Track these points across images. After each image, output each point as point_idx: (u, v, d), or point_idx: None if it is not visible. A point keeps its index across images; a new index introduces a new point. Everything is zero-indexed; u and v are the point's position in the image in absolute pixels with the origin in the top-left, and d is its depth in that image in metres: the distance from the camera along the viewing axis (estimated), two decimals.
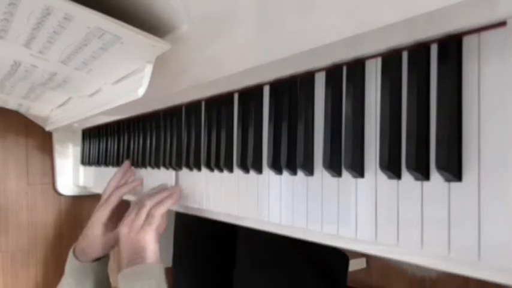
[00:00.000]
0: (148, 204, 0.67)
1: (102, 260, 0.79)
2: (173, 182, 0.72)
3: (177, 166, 0.69)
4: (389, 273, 1.22)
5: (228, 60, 0.46)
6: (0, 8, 0.44)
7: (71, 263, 0.78)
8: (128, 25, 0.47)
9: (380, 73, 0.38)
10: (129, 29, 0.47)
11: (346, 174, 0.41)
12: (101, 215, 0.77)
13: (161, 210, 0.67)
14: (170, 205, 0.68)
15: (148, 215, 0.66)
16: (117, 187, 0.80)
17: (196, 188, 0.66)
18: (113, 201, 0.78)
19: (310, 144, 0.45)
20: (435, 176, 0.34)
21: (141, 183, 0.81)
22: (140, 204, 0.68)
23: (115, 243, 0.78)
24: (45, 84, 0.67)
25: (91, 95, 0.70)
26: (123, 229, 0.67)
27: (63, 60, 0.56)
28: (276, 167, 0.49)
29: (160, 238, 0.68)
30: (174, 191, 0.69)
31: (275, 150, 0.49)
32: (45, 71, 0.60)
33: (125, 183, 0.81)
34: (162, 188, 0.72)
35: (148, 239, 0.65)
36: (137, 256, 0.64)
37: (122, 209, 0.80)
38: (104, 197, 0.80)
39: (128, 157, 0.87)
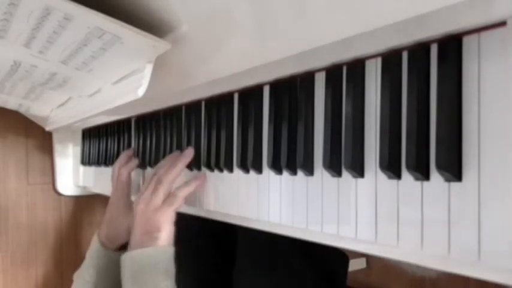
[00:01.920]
0: (166, 182, 0.62)
1: (125, 250, 0.77)
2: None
3: None
4: (389, 273, 1.22)
5: (228, 60, 0.46)
6: (0, 8, 0.44)
7: (95, 250, 0.75)
8: (128, 25, 0.47)
9: (380, 73, 0.38)
10: (129, 29, 0.47)
11: (346, 174, 0.41)
12: (116, 196, 0.77)
13: (186, 191, 0.63)
14: (195, 187, 0.64)
15: (171, 195, 0.62)
16: (123, 165, 0.79)
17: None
18: (123, 180, 0.77)
19: (310, 144, 0.45)
20: (435, 176, 0.34)
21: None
22: (157, 179, 0.63)
23: None
24: (45, 84, 0.67)
25: (91, 95, 0.70)
26: (140, 206, 0.62)
27: (63, 60, 0.56)
28: (276, 167, 0.49)
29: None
30: (200, 174, 0.64)
31: (275, 150, 0.49)
32: (45, 71, 0.60)
33: (129, 158, 0.81)
34: (179, 162, 0.66)
35: (165, 220, 0.61)
36: (150, 237, 0.60)
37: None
38: (114, 179, 0.79)
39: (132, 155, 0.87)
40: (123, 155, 0.82)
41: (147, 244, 0.60)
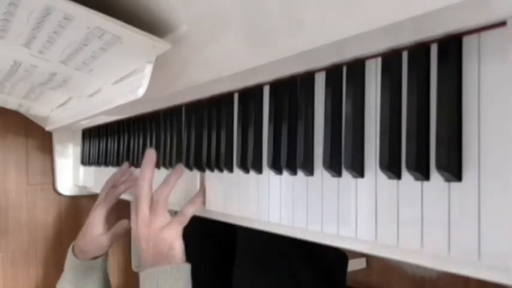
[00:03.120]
0: (161, 200, 0.61)
1: (101, 257, 0.79)
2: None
3: None
4: (390, 273, 1.22)
5: (228, 60, 0.46)
6: (0, 8, 0.44)
7: (70, 261, 0.78)
8: (128, 25, 0.47)
9: (380, 73, 0.38)
10: (129, 29, 0.47)
11: (346, 174, 0.41)
12: (98, 214, 0.77)
13: (193, 211, 0.62)
14: (199, 205, 0.63)
15: (180, 213, 0.62)
16: (115, 186, 0.80)
17: (196, 188, 0.66)
18: (110, 200, 0.78)
19: (310, 144, 0.45)
20: (435, 176, 0.34)
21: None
22: (155, 200, 0.62)
23: (112, 242, 0.78)
24: (45, 84, 0.67)
25: (91, 95, 0.70)
26: (143, 231, 0.60)
27: (63, 60, 0.56)
28: (276, 167, 0.49)
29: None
30: (198, 196, 0.64)
31: (275, 150, 0.49)
32: (45, 71, 0.60)
33: (122, 182, 0.81)
34: (169, 177, 0.66)
35: (175, 237, 0.60)
36: (165, 256, 0.59)
37: (119, 209, 0.80)
38: (102, 196, 0.80)
39: (127, 157, 0.87)
40: (118, 172, 0.83)
41: (163, 263, 0.59)
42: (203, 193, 0.64)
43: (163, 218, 0.61)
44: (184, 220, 0.62)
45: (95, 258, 0.79)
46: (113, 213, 0.80)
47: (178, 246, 0.60)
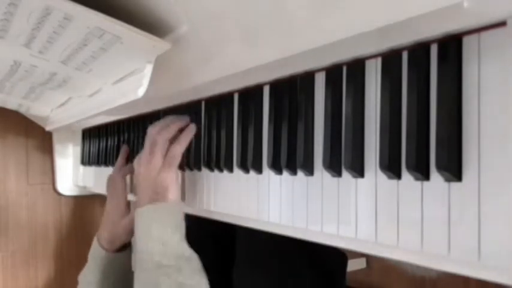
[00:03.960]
0: (161, 142, 0.62)
1: (127, 250, 0.78)
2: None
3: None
4: (390, 273, 1.22)
5: (227, 60, 0.46)
6: (0, 8, 0.44)
7: (95, 252, 0.77)
8: (128, 25, 0.47)
9: (380, 73, 0.38)
10: (129, 29, 0.47)
11: (346, 174, 0.41)
12: (113, 198, 0.78)
13: (182, 148, 0.63)
14: (189, 140, 0.64)
15: (169, 155, 0.62)
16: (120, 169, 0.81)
17: (196, 188, 0.66)
18: (118, 184, 0.78)
19: (310, 144, 0.45)
20: (435, 176, 0.34)
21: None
22: (152, 142, 0.63)
23: None
24: (45, 84, 0.67)
25: (91, 95, 0.70)
26: (141, 169, 0.63)
27: (63, 60, 0.56)
28: (276, 167, 0.49)
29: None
30: (188, 125, 0.65)
31: (275, 150, 0.49)
32: (45, 71, 0.60)
33: (127, 164, 0.82)
34: (173, 124, 0.66)
35: (170, 180, 0.61)
36: (158, 196, 0.61)
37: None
38: (109, 183, 0.80)
39: (128, 157, 0.87)
40: (121, 156, 0.84)
41: (157, 201, 0.60)
42: (191, 128, 0.65)
43: (160, 160, 0.62)
44: (175, 160, 0.62)
45: (123, 248, 0.77)
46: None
47: (173, 188, 0.61)
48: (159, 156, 0.62)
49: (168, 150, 0.62)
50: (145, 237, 0.59)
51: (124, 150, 0.85)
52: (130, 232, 0.75)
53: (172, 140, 0.63)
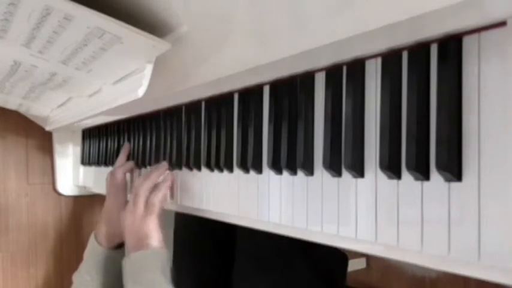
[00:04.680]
0: (142, 192, 0.67)
1: (124, 248, 0.78)
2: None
3: (177, 166, 0.69)
4: (389, 273, 1.22)
5: (227, 60, 0.46)
6: (0, 8, 0.44)
7: (92, 249, 0.78)
8: (128, 25, 0.47)
9: (380, 73, 0.38)
10: (129, 29, 0.47)
11: (346, 174, 0.41)
12: (113, 195, 0.78)
13: (159, 196, 0.67)
14: (166, 189, 0.69)
15: (148, 204, 0.66)
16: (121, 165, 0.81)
17: (196, 188, 0.66)
18: (118, 182, 0.79)
19: (310, 144, 0.45)
20: (435, 176, 0.34)
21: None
22: (135, 193, 0.68)
23: None
24: (45, 84, 0.67)
25: (91, 95, 0.70)
26: (127, 217, 0.67)
27: (63, 60, 0.56)
28: (276, 167, 0.49)
29: (163, 224, 0.68)
30: (167, 175, 0.70)
31: (275, 150, 0.49)
32: (45, 71, 0.60)
33: (128, 161, 0.83)
34: (152, 173, 0.72)
35: (152, 227, 0.65)
36: (142, 243, 0.64)
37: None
38: (108, 179, 0.80)
39: (128, 157, 0.87)
40: (122, 153, 0.84)
41: (141, 249, 0.64)
42: (171, 178, 0.70)
43: (142, 209, 0.67)
44: (154, 208, 0.66)
45: (121, 246, 0.77)
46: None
47: (154, 236, 0.65)
48: (141, 206, 0.67)
49: (148, 198, 0.67)
50: (132, 285, 0.62)
51: (126, 147, 0.85)
52: None
53: (154, 189, 0.68)
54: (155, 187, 0.68)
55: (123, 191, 0.79)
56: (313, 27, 0.36)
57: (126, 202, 0.77)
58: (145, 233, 0.65)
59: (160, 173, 0.71)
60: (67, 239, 1.25)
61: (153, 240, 0.65)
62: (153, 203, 0.66)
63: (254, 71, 0.44)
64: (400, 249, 0.37)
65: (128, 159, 0.85)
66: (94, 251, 0.77)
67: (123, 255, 0.77)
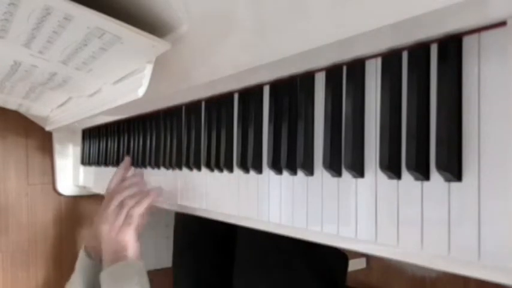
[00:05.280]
0: (129, 204, 0.69)
1: None
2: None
3: (177, 166, 0.69)
4: (389, 273, 1.23)
5: (227, 60, 0.46)
6: (0, 8, 0.44)
7: (82, 261, 0.79)
8: (128, 25, 0.47)
9: (380, 73, 0.38)
10: (129, 29, 0.47)
11: (346, 174, 0.41)
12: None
13: (139, 210, 0.68)
14: (147, 204, 0.70)
15: (127, 215, 0.68)
16: (119, 185, 0.80)
17: (196, 188, 0.66)
18: (115, 203, 0.78)
19: (310, 144, 0.45)
20: (435, 176, 0.34)
21: (140, 182, 0.81)
22: (120, 203, 0.69)
23: None
24: (45, 84, 0.67)
25: (91, 95, 0.70)
26: (105, 228, 0.68)
27: (63, 60, 0.56)
28: (276, 167, 0.49)
29: (140, 236, 0.69)
30: (153, 190, 0.71)
31: (275, 150, 0.49)
32: (45, 71, 0.60)
33: (127, 179, 0.81)
34: (142, 186, 0.74)
35: (128, 239, 0.66)
36: (118, 255, 0.65)
37: None
38: (108, 193, 0.80)
39: (126, 156, 0.87)
40: (122, 168, 0.83)
41: (117, 261, 0.65)
42: (155, 194, 0.71)
43: (122, 221, 0.68)
44: (133, 221, 0.67)
45: None
46: None
47: (131, 248, 0.66)
48: (122, 217, 0.68)
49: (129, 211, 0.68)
50: None
51: (126, 161, 0.84)
52: None
53: (136, 202, 0.70)
54: (137, 201, 0.69)
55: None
56: (313, 27, 0.36)
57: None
58: (122, 245, 0.66)
59: (125, 167, 0.77)
60: (67, 239, 1.25)
61: (129, 251, 0.66)
62: (131, 215, 0.68)
63: (254, 71, 0.44)
64: (400, 249, 0.37)
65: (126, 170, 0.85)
66: (83, 263, 0.78)
67: None
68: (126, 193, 0.72)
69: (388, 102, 0.37)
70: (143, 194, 0.71)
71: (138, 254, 0.67)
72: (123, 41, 0.49)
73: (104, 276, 0.65)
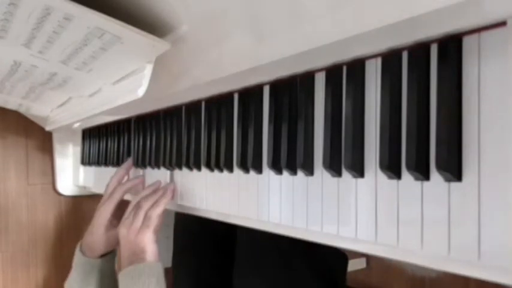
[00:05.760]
0: (145, 205, 0.68)
1: (108, 256, 0.79)
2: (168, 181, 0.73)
3: (177, 166, 0.69)
4: (389, 273, 1.23)
5: (227, 60, 0.46)
6: (0, 8, 0.44)
7: (77, 258, 0.79)
8: (127, 25, 0.47)
9: (380, 73, 0.38)
10: (129, 29, 0.47)
11: (346, 174, 0.41)
12: (104, 211, 0.78)
13: (158, 211, 0.68)
14: (165, 204, 0.69)
15: (145, 217, 0.67)
16: (120, 183, 0.80)
17: (196, 188, 0.66)
18: (116, 197, 0.78)
19: (310, 144, 0.45)
20: (435, 176, 0.34)
21: (143, 182, 0.81)
22: (137, 205, 0.69)
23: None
24: (45, 84, 0.67)
25: (91, 95, 0.70)
26: (123, 231, 0.68)
27: (63, 60, 0.56)
28: (276, 167, 0.49)
29: (159, 238, 0.68)
30: (168, 189, 0.70)
31: (275, 150, 0.49)
32: (45, 71, 0.60)
33: (128, 180, 0.82)
34: (157, 186, 0.73)
35: (147, 241, 0.66)
36: (137, 257, 0.65)
37: (124, 208, 0.80)
38: (107, 192, 0.80)
39: (128, 157, 0.87)
40: (123, 168, 0.83)
41: (136, 263, 0.65)
42: (171, 192, 0.70)
43: (140, 223, 0.67)
44: (152, 223, 0.67)
45: (104, 255, 0.78)
46: (120, 211, 0.80)
47: (149, 250, 0.66)
48: (141, 219, 0.67)
49: (147, 212, 0.68)
50: None
51: (128, 162, 0.84)
52: (112, 245, 0.79)
53: (155, 203, 0.69)
54: (155, 202, 0.69)
55: (115, 207, 0.79)
56: (313, 27, 0.36)
57: (111, 219, 0.78)
58: (141, 247, 0.66)
59: (127, 168, 0.78)
60: (67, 239, 1.25)
61: (148, 253, 0.65)
62: (150, 216, 0.67)
63: (254, 71, 0.44)
64: (400, 249, 0.37)
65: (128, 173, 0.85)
66: (79, 261, 0.79)
67: (108, 262, 0.79)
68: (142, 194, 0.72)
69: (388, 102, 0.37)
70: (158, 193, 0.70)
71: (156, 255, 0.67)
72: (123, 41, 0.49)
73: (122, 277, 0.65)
